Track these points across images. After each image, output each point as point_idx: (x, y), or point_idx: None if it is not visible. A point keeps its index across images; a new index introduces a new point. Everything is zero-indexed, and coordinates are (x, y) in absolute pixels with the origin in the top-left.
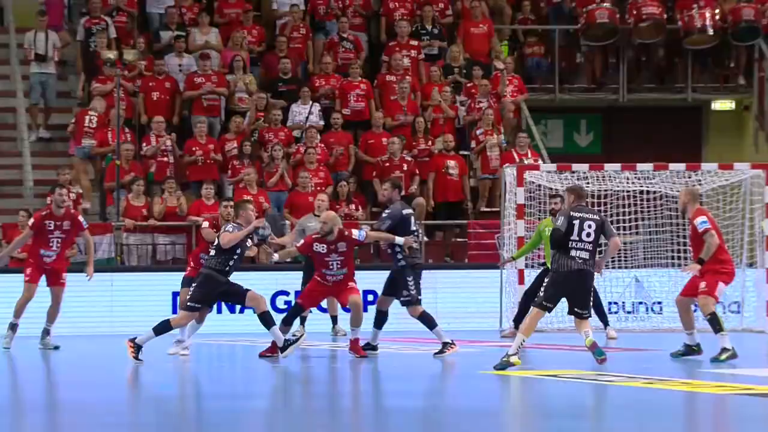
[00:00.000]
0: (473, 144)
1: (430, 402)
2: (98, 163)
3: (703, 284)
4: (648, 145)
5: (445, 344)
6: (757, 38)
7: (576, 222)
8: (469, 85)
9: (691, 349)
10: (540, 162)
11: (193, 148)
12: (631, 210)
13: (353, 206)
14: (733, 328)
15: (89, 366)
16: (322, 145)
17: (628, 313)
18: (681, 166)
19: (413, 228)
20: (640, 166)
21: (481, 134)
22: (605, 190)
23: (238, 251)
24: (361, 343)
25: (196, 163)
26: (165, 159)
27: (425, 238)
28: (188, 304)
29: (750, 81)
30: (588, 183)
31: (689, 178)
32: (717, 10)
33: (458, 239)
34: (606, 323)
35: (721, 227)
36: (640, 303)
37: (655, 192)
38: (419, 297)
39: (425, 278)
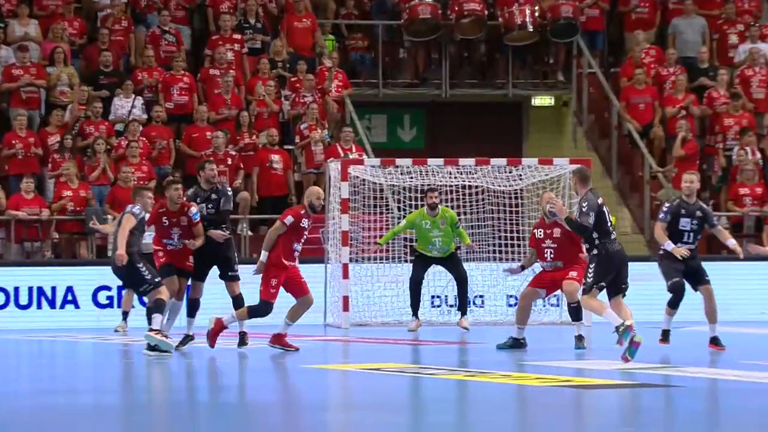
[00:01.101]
0: (297, 138)
1: (247, 397)
2: None
3: (573, 273)
4: (470, 140)
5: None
6: (575, 35)
7: (605, 209)
8: (293, 79)
9: (518, 342)
10: (364, 157)
11: (13, 141)
12: (454, 204)
13: None
14: (552, 321)
15: None
16: (145, 139)
17: (451, 306)
18: (502, 161)
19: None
20: (462, 161)
21: (306, 129)
22: (428, 185)
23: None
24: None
25: (16, 156)
26: None
27: (249, 233)
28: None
29: (569, 77)
30: (411, 178)
31: (510, 173)
32: (536, 7)
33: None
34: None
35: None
36: None
37: (477, 186)
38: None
39: (249, 274)
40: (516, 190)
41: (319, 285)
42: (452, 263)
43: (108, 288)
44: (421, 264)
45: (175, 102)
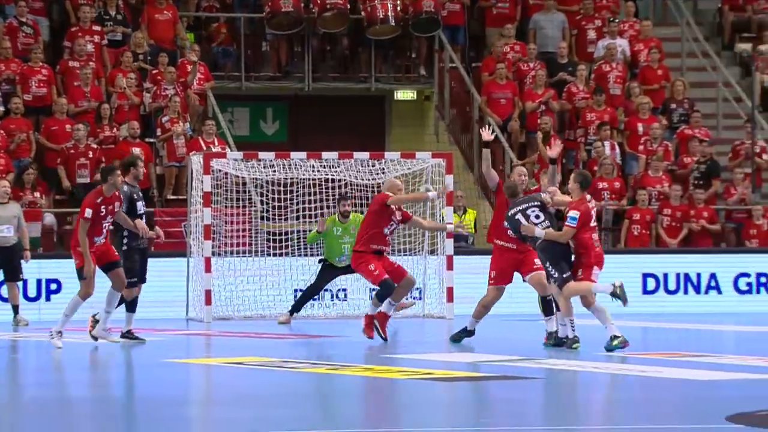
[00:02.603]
0: (159, 131)
1: (107, 392)
2: None
3: (538, 261)
4: (333, 133)
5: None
6: (437, 30)
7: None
8: (154, 72)
9: (468, 333)
10: (227, 150)
11: None
12: (317, 198)
13: (37, 194)
14: (415, 314)
15: None
16: (2, 132)
17: (314, 300)
18: (365, 155)
19: (141, 212)
20: (325, 155)
21: (167, 122)
22: (292, 179)
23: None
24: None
25: None
26: None
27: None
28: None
29: (431, 72)
30: (274, 171)
31: (373, 166)
32: (398, 2)
33: None
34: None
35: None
36: (326, 290)
37: (340, 180)
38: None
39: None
40: (379, 183)
41: (180, 279)
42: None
43: None
44: (328, 275)
45: (33, 94)
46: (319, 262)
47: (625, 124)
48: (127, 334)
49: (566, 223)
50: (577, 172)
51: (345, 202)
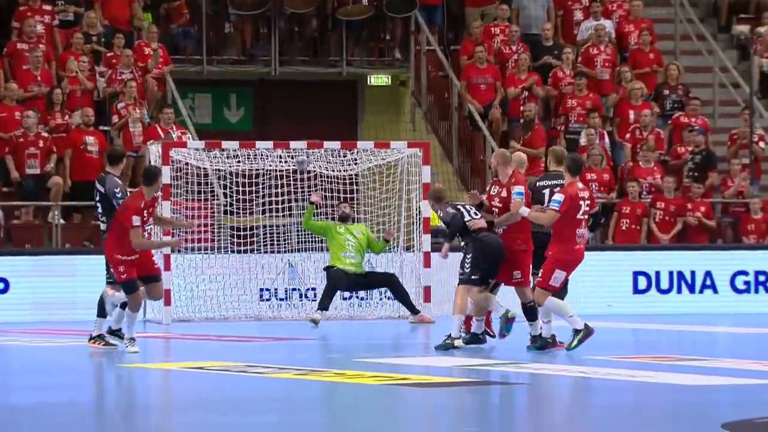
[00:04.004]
0: (114, 119)
1: (57, 398)
2: None
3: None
4: (302, 121)
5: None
6: (413, 10)
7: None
8: (109, 54)
9: (477, 338)
10: (187, 139)
11: None
12: (285, 191)
13: None
14: (389, 315)
15: None
16: None
17: (281, 300)
18: (336, 144)
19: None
20: (293, 144)
21: (123, 108)
22: (257, 170)
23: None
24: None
25: None
26: None
27: (61, 221)
28: None
29: (406, 55)
30: (239, 162)
31: (344, 157)
32: None
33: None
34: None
35: (377, 209)
36: (294, 289)
37: (309, 171)
38: None
39: (61, 265)
40: (351, 175)
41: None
42: (372, 279)
43: None
44: (342, 282)
45: None
46: (324, 270)
47: (616, 111)
48: (117, 332)
49: (550, 206)
50: (569, 156)
51: (344, 205)
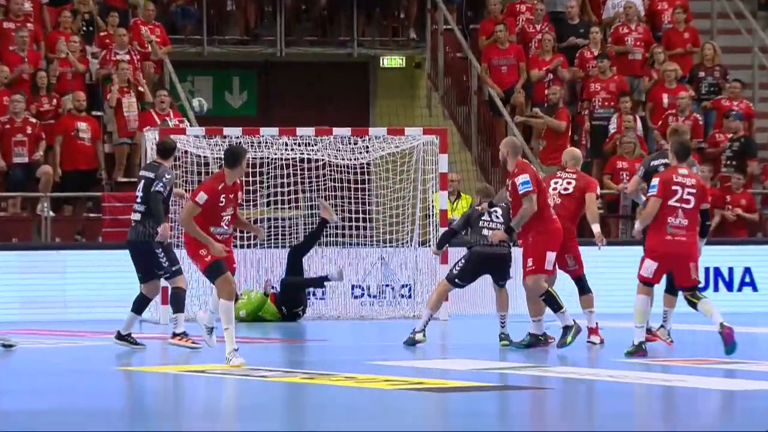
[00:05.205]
0: (108, 103)
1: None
2: None
3: (529, 261)
4: (309, 106)
5: None
6: None
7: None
8: (102, 34)
9: (537, 339)
10: (186, 125)
11: None
12: (291, 181)
13: None
14: (404, 314)
15: None
16: None
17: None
18: (346, 131)
19: None
20: (300, 131)
21: (117, 92)
22: (261, 158)
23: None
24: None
25: None
26: None
27: (51, 213)
28: None
29: (422, 35)
30: None
31: (355, 144)
32: None
33: (91, 214)
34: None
35: (390, 200)
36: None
37: (317, 160)
38: None
39: (50, 261)
40: (362, 164)
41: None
42: None
43: None
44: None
45: None
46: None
47: (649, 95)
48: (127, 337)
49: (648, 192)
50: (675, 140)
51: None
